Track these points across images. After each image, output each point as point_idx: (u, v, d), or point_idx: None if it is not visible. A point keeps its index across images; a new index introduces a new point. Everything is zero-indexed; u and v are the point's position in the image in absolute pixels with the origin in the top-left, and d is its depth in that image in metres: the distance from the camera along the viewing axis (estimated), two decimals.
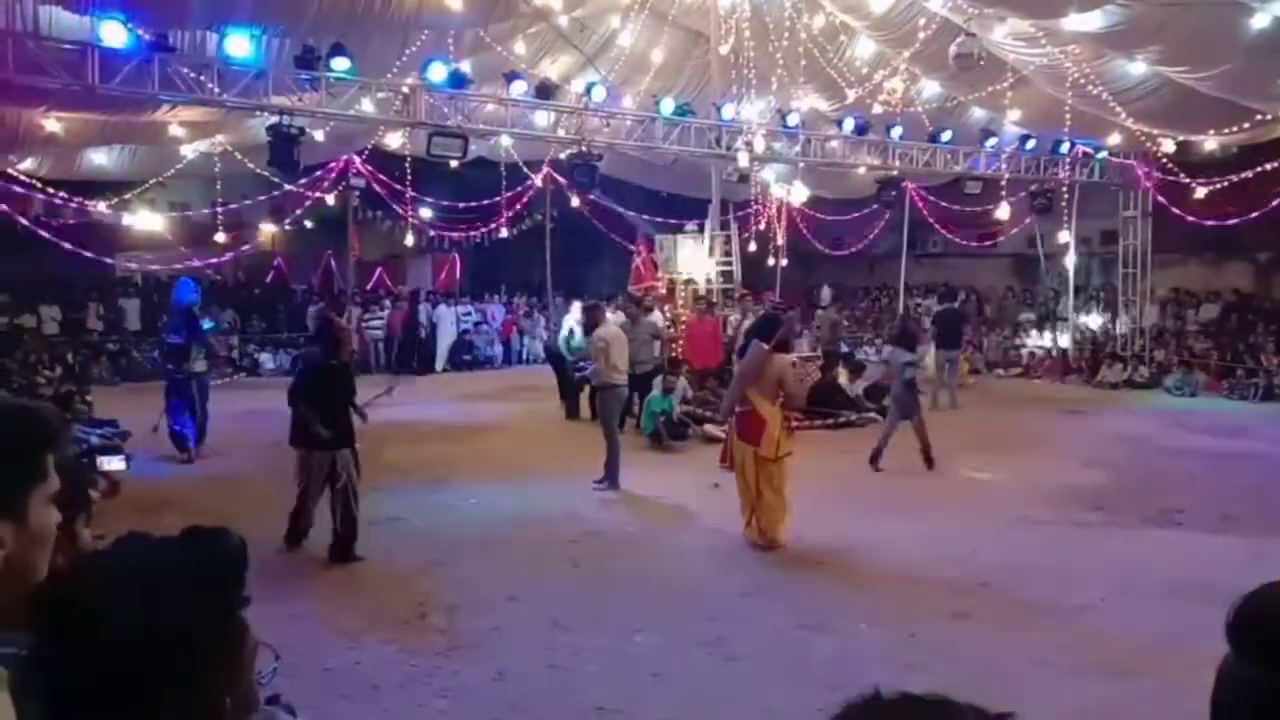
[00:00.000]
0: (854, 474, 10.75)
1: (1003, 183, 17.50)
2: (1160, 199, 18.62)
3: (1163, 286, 21.06)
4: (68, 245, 15.88)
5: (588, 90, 14.11)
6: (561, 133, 14.42)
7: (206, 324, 11.89)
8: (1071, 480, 10.26)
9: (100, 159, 16.75)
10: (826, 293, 15.72)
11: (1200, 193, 17.31)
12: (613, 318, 11.92)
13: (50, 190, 16.34)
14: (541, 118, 14.43)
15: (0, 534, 1.28)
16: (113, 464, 4.05)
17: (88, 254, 16.68)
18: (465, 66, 13.54)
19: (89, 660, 1.07)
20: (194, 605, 1.10)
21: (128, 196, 17.49)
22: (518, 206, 20.17)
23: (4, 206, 15.66)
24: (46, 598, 1.16)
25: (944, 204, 19.47)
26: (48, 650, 1.11)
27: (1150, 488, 9.90)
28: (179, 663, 1.08)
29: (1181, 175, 17.71)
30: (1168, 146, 17.23)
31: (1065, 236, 19.13)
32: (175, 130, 15.09)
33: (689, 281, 15.45)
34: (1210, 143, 16.30)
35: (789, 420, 8.24)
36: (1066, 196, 18.58)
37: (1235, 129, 14.32)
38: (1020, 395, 17.10)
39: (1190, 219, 17.52)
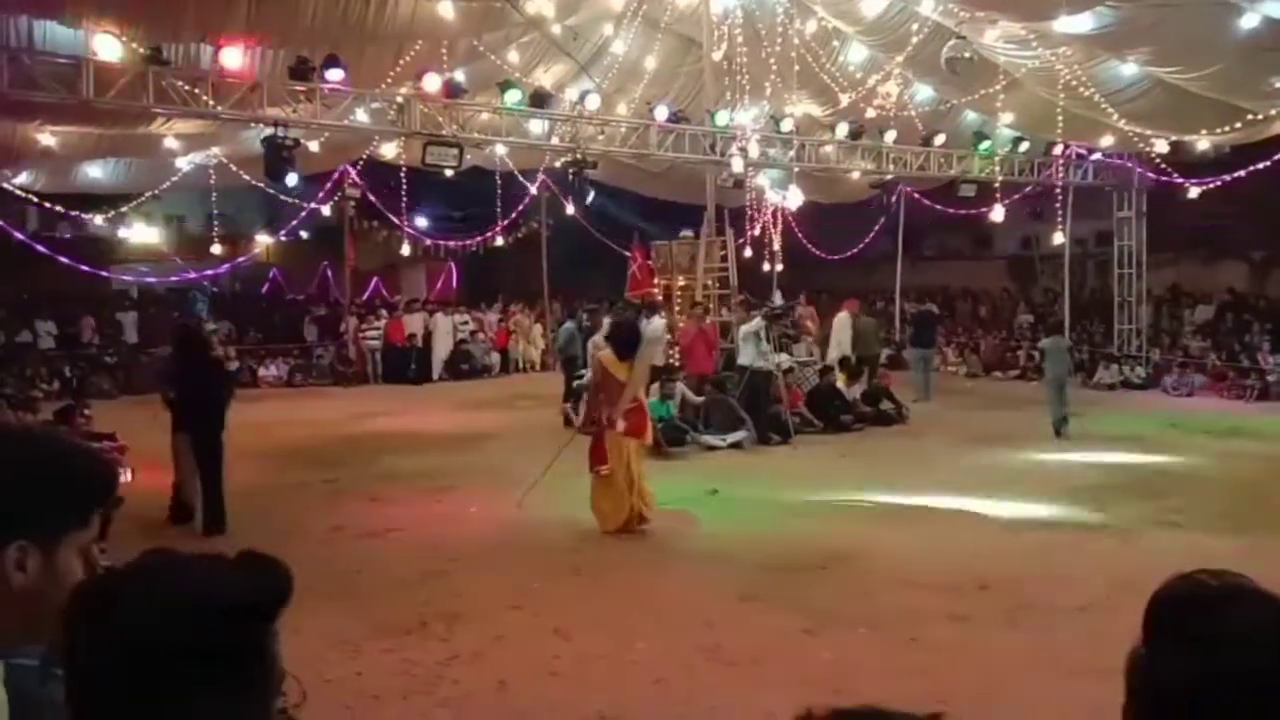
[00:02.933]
0: (854, 478, 10.76)
1: (997, 185, 17.55)
2: (1154, 199, 18.67)
3: (1158, 287, 21.11)
4: (64, 259, 15.90)
5: (582, 98, 14.15)
6: (556, 141, 14.46)
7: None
8: (1070, 481, 10.28)
9: (95, 172, 16.76)
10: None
11: (1194, 193, 17.37)
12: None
13: (46, 204, 16.36)
14: (536, 126, 14.46)
15: (26, 560, 1.27)
16: None
17: (83, 268, 16.69)
18: (459, 76, 13.58)
19: (116, 665, 1.06)
20: (234, 627, 1.10)
21: (123, 210, 17.51)
22: (513, 214, 20.19)
23: None
24: (84, 597, 1.14)
25: (939, 207, 19.52)
26: (76, 653, 1.10)
27: (1148, 488, 9.91)
28: (208, 683, 1.07)
29: (1175, 176, 17.77)
30: (1161, 147, 17.29)
31: (1060, 238, 19.19)
32: (170, 143, 15.12)
33: (686, 287, 15.46)
34: (1203, 143, 16.35)
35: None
36: (1060, 198, 18.63)
37: (1227, 129, 14.37)
38: (1018, 397, 17.12)
39: (1184, 219, 17.58)
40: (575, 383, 14.15)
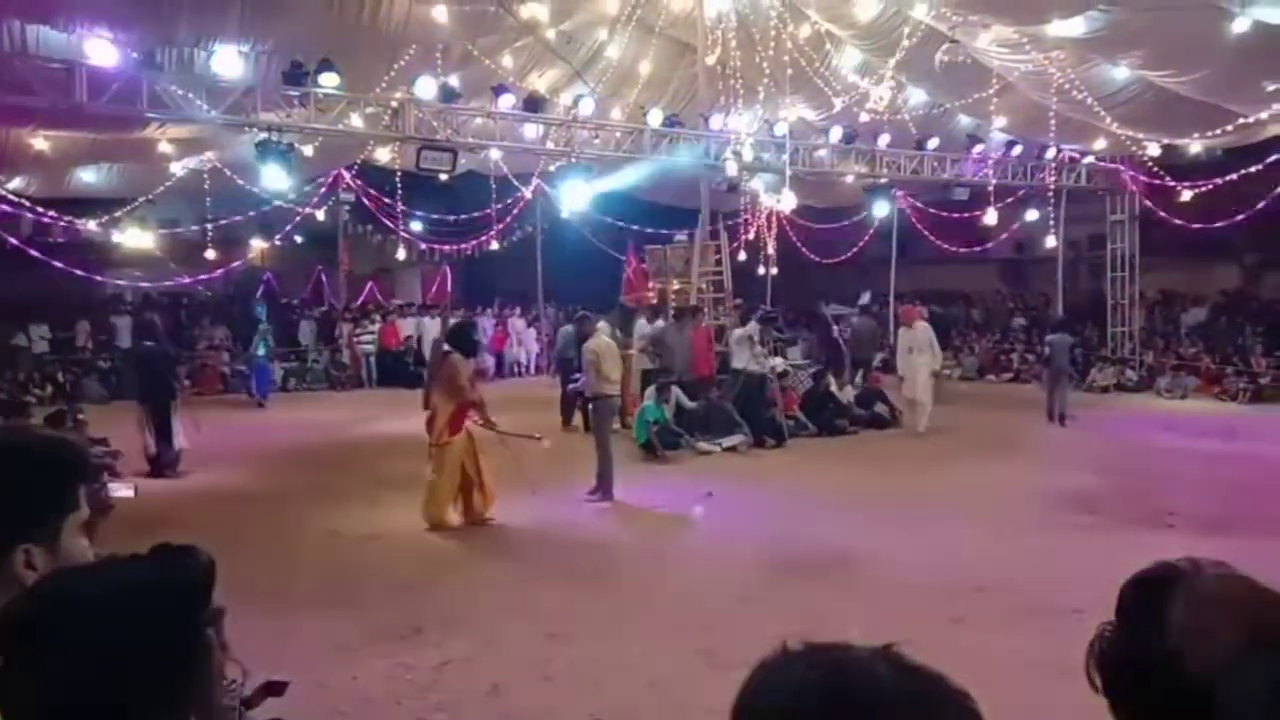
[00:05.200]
0: (849, 481, 10.77)
1: (990, 189, 17.59)
2: (1147, 203, 18.73)
3: (1151, 290, 21.15)
4: (58, 264, 15.83)
5: (576, 102, 14.15)
6: (550, 145, 14.47)
7: (263, 326, 18.37)
8: (1065, 484, 10.29)
9: (89, 177, 16.72)
10: (867, 297, 15.86)
11: (1186, 196, 17.42)
12: (603, 327, 11.89)
13: (39, 209, 16.29)
14: (530, 130, 14.47)
15: (33, 559, 1.34)
16: (120, 492, 4.06)
17: (78, 272, 16.63)
18: (453, 80, 13.58)
19: (47, 682, 1.06)
20: (155, 624, 1.09)
21: (117, 214, 17.44)
22: (508, 219, 20.17)
23: None
24: (7, 624, 1.14)
25: (933, 210, 19.55)
26: (6, 673, 1.10)
27: (1143, 490, 9.93)
28: (141, 681, 1.07)
29: (1167, 179, 17.81)
30: (1153, 150, 17.33)
31: (1053, 241, 19.22)
32: (164, 147, 15.09)
33: (680, 291, 15.46)
34: (1195, 146, 16.41)
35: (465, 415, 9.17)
36: (1053, 201, 18.67)
37: (1219, 132, 14.41)
38: (1011, 399, 17.17)
39: (1177, 222, 17.62)
40: (569, 386, 14.15)
